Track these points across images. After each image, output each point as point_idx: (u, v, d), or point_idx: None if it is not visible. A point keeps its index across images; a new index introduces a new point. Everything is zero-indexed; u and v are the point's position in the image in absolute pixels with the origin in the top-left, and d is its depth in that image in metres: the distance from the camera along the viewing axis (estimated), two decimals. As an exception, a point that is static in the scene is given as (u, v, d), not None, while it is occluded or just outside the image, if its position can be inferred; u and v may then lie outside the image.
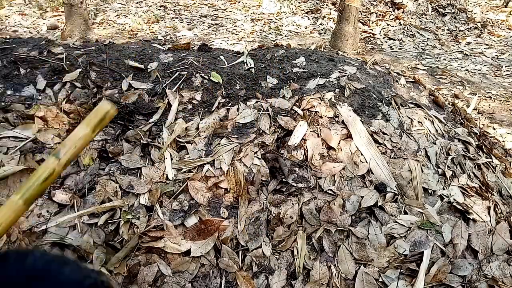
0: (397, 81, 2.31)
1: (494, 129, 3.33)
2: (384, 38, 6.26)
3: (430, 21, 6.69)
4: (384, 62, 5.07)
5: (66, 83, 1.87)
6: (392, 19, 6.69)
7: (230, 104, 1.91)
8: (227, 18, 7.00)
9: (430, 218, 1.61)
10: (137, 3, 7.44)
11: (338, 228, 1.55)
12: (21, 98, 1.78)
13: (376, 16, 6.74)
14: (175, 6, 7.46)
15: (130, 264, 1.38)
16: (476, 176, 1.87)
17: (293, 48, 2.59)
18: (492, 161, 1.99)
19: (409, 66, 5.12)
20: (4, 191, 1.46)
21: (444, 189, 1.74)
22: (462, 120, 2.30)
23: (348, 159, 1.73)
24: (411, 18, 6.68)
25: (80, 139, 0.68)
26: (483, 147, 2.09)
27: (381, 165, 1.73)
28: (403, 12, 6.74)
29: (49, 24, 6.09)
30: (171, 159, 1.66)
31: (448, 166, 1.84)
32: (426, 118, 2.03)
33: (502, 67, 5.23)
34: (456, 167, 1.87)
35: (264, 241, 1.52)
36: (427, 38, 6.25)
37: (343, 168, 1.70)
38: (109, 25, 6.38)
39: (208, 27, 6.52)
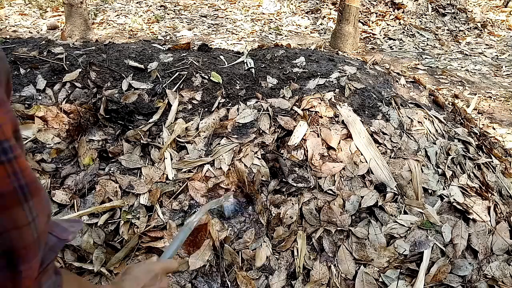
0: (397, 81, 2.31)
1: (494, 129, 3.33)
2: (384, 38, 6.26)
3: (430, 21, 6.69)
4: (384, 62, 5.07)
5: (66, 83, 1.87)
6: (392, 19, 6.69)
7: (230, 104, 1.91)
8: (227, 18, 7.00)
9: (430, 218, 1.61)
10: (137, 3, 7.44)
11: (338, 228, 1.55)
12: (21, 98, 1.78)
13: (376, 16, 6.73)
14: (175, 6, 7.46)
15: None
16: (476, 176, 1.87)
17: (293, 48, 2.59)
18: (492, 161, 1.99)
19: (409, 66, 5.12)
20: (4, 191, 1.46)
21: (444, 189, 1.74)
22: (462, 120, 2.30)
23: (348, 159, 1.73)
24: (411, 18, 6.68)
25: None
26: (483, 147, 2.09)
27: (381, 165, 1.73)
28: (403, 12, 6.74)
29: (49, 24, 6.09)
30: (171, 159, 1.66)
31: (448, 166, 1.84)
32: (426, 118, 2.03)
33: (502, 67, 5.23)
34: (456, 167, 1.87)
35: (264, 241, 1.52)
36: (427, 38, 6.25)
37: (343, 168, 1.70)
38: (109, 25, 6.38)
39: (208, 27, 6.52)
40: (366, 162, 1.73)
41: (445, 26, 6.63)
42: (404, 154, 1.82)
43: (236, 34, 6.22)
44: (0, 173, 0.36)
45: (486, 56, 5.63)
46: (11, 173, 0.37)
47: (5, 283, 0.41)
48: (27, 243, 0.41)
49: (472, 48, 5.95)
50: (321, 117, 1.84)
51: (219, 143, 1.72)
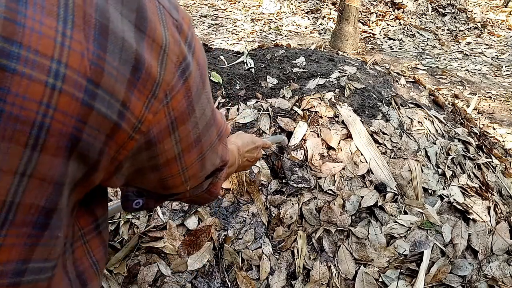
0: (397, 81, 2.31)
1: (494, 129, 3.33)
2: (384, 38, 6.26)
3: (430, 21, 6.70)
4: (384, 62, 5.07)
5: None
6: (392, 19, 6.69)
7: (230, 104, 1.91)
8: (227, 18, 7.00)
9: (430, 218, 1.61)
10: (137, 3, 7.43)
11: (338, 228, 1.55)
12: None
13: (376, 16, 6.74)
14: (175, 6, 7.44)
15: (130, 264, 1.38)
16: (476, 176, 1.87)
17: (293, 48, 2.59)
18: (492, 161, 2.00)
19: (409, 66, 5.12)
20: (4, 191, 1.46)
21: (444, 189, 1.74)
22: (462, 120, 2.30)
23: (348, 159, 1.73)
24: (411, 18, 6.68)
25: None
26: (483, 147, 2.09)
27: (381, 165, 1.73)
28: (403, 12, 6.74)
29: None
30: (171, 159, 1.66)
31: (448, 166, 1.84)
32: (426, 118, 2.03)
33: (502, 67, 5.23)
34: (456, 167, 1.87)
35: (264, 241, 1.52)
36: (427, 38, 6.25)
37: (343, 168, 1.70)
38: (109, 25, 6.38)
39: (208, 27, 6.52)
40: (366, 162, 1.73)
41: (445, 26, 6.63)
42: (404, 154, 1.82)
43: (236, 34, 6.22)
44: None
45: (486, 56, 5.63)
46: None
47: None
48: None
49: (472, 48, 5.95)
50: (321, 117, 1.84)
51: (219, 143, 1.71)
